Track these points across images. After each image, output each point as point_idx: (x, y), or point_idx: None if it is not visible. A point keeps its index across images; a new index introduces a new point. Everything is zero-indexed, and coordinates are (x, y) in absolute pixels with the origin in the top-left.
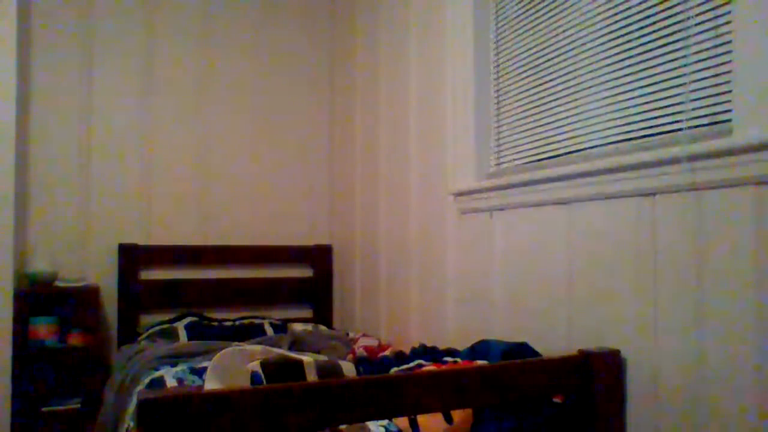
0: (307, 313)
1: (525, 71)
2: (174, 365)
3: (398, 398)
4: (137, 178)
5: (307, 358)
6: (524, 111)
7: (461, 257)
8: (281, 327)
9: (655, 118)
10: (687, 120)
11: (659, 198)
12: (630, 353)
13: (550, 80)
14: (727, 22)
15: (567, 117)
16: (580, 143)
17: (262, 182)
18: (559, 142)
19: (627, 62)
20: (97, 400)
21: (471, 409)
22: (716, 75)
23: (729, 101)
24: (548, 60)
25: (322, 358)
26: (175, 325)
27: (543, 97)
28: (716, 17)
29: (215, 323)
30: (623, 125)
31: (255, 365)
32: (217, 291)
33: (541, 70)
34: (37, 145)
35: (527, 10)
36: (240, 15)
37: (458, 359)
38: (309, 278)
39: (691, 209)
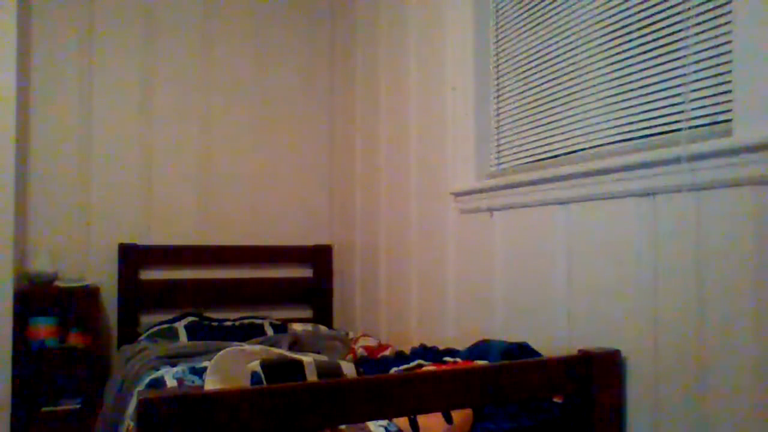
0: (307, 313)
1: (525, 71)
2: (174, 365)
3: (398, 398)
4: (137, 178)
5: (307, 358)
6: (524, 111)
7: (461, 257)
8: (281, 327)
9: (655, 118)
10: (687, 120)
11: (659, 198)
12: (630, 353)
13: (550, 80)
14: (727, 22)
15: (567, 117)
16: (580, 143)
17: (262, 182)
18: (559, 142)
19: (627, 62)
20: (97, 400)
21: (471, 409)
22: (716, 75)
23: (729, 101)
24: (548, 60)
25: (322, 358)
26: (175, 325)
27: (543, 97)
28: (716, 17)
29: (215, 323)
30: (623, 125)
31: (255, 365)
32: (217, 291)
33: (541, 70)
34: (37, 145)
35: (527, 10)
36: (240, 14)
37: (458, 359)
38: (309, 278)
39: (691, 209)
